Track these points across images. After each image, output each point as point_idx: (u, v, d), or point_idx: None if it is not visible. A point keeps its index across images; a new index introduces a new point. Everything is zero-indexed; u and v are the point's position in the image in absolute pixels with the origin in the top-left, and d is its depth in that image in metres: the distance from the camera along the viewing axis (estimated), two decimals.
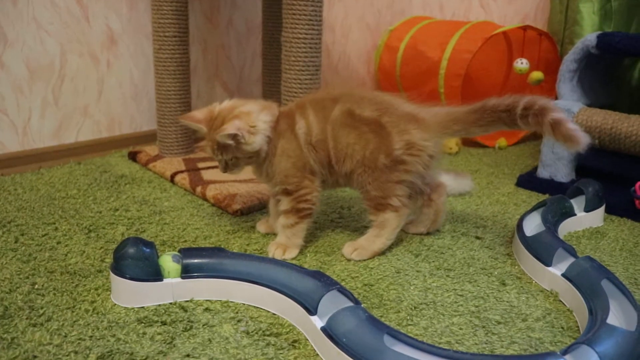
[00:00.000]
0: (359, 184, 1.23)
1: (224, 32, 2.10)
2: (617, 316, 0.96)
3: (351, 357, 0.82)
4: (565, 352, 0.83)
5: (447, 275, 1.17)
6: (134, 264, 1.01)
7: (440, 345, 0.93)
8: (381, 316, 1.01)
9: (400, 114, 1.22)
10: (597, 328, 0.89)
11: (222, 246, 1.26)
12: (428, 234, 1.36)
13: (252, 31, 2.18)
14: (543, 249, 1.18)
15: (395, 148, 1.19)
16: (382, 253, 1.25)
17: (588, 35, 1.70)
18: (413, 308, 1.04)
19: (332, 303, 0.93)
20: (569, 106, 1.66)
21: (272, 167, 1.22)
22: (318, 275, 0.99)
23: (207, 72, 2.08)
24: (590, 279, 1.05)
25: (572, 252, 1.16)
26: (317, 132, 1.21)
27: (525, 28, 2.10)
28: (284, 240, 1.22)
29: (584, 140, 1.12)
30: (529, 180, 1.74)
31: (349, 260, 1.21)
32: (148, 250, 1.03)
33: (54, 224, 1.34)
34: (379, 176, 1.20)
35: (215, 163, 1.70)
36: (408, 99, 1.28)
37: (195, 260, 1.06)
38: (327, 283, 0.96)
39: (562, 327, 1.01)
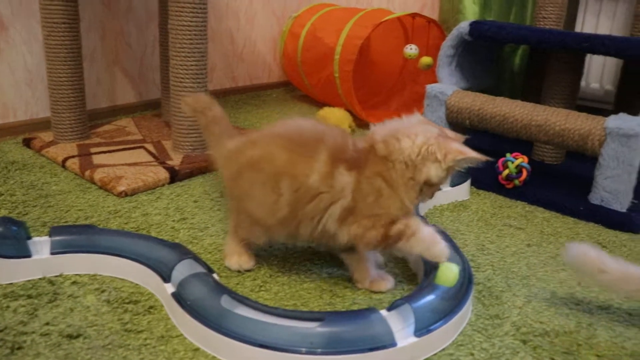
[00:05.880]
0: None
1: (123, 19, 2.13)
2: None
3: (193, 317, 0.91)
4: (390, 308, 0.94)
5: (309, 247, 1.26)
6: (2, 242, 1.06)
7: (286, 307, 1.03)
8: (237, 283, 1.10)
9: None
10: (421, 286, 1.00)
11: (102, 225, 1.31)
12: None
13: (152, 17, 2.22)
14: None
15: None
16: None
17: (462, 23, 1.83)
18: (269, 276, 1.13)
19: (185, 271, 1.01)
20: (443, 89, 1.79)
21: None
22: (175, 246, 1.07)
23: (106, 58, 2.11)
24: None
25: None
26: None
27: (414, 15, 2.21)
28: None
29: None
30: None
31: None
32: (16, 228, 1.08)
33: None
34: None
35: (109, 147, 1.76)
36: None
37: (64, 237, 1.11)
38: (182, 252, 1.04)
39: (404, 289, 1.12)
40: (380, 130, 1.06)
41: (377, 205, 1.01)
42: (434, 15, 2.50)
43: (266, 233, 1.11)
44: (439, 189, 1.08)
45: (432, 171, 1.00)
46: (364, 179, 1.01)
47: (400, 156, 1.00)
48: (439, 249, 1.02)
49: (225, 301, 0.91)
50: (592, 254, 1.03)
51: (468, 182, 1.61)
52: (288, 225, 1.07)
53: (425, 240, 1.02)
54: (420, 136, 1.01)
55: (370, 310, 0.91)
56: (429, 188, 1.03)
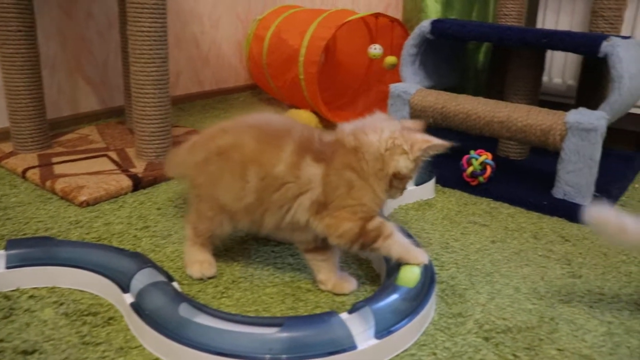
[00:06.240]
0: None
1: (84, 25, 2.10)
2: None
3: (152, 327, 0.89)
4: (350, 311, 0.93)
5: (272, 251, 1.25)
6: None
7: (248, 313, 1.02)
8: (199, 290, 1.09)
9: None
10: (382, 288, 1.00)
11: (62, 236, 1.29)
12: None
13: (114, 24, 2.19)
14: None
15: None
16: None
17: (423, 22, 1.84)
18: (231, 282, 1.12)
19: (144, 280, 0.99)
20: (406, 88, 1.79)
21: None
22: (135, 255, 1.05)
23: (67, 66, 2.08)
24: None
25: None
26: None
27: (377, 15, 2.21)
28: None
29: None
30: None
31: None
32: None
33: None
34: None
35: (71, 156, 1.73)
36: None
37: (20, 250, 1.09)
38: (142, 262, 1.03)
39: (367, 290, 1.12)
40: (347, 125, 1.08)
41: (349, 196, 1.02)
42: (398, 15, 2.51)
43: (231, 221, 1.12)
44: (406, 189, 1.09)
45: (401, 162, 1.03)
46: (333, 170, 1.03)
47: (370, 148, 1.03)
48: (418, 251, 1.04)
49: (184, 310, 0.90)
50: (611, 216, 1.02)
51: (433, 181, 1.62)
52: (253, 213, 1.08)
53: (403, 243, 1.04)
54: (385, 131, 1.04)
55: (330, 313, 0.90)
56: (400, 181, 1.05)
